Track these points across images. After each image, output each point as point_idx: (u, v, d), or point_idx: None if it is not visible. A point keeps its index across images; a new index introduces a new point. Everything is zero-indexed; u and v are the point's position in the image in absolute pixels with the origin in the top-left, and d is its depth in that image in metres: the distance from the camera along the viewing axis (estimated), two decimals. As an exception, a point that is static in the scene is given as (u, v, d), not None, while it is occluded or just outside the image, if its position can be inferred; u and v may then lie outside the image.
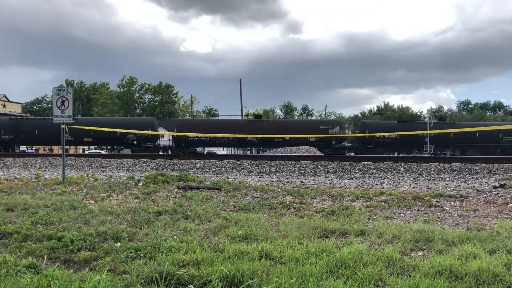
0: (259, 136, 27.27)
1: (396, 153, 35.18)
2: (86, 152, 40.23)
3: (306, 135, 27.56)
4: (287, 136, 28.85)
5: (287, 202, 7.95)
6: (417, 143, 34.80)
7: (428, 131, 30.26)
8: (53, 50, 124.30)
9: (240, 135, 25.78)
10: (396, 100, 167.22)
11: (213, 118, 43.05)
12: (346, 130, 38.44)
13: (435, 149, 34.48)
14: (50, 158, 18.83)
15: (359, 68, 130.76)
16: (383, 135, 32.15)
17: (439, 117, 49.88)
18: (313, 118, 78.21)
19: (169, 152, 31.80)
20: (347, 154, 30.61)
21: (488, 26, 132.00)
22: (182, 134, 28.75)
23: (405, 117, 62.61)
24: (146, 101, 65.73)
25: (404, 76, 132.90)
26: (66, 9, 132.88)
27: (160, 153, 31.52)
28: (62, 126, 11.26)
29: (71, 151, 36.69)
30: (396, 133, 30.34)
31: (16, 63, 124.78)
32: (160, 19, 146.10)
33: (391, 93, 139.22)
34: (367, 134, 30.59)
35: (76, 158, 18.94)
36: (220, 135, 26.03)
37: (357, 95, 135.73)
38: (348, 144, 36.26)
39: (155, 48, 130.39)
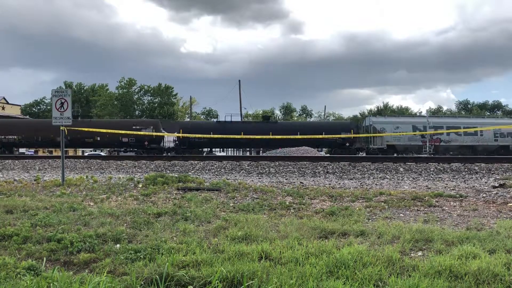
0: (248, 136, 27.07)
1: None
2: (86, 154, 40.20)
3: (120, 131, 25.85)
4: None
5: (287, 203, 7.95)
6: (231, 144, 34.36)
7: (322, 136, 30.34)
8: (53, 52, 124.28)
9: (239, 136, 25.77)
10: (397, 100, 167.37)
11: (213, 120, 42.85)
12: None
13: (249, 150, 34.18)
14: (50, 160, 18.82)
15: (360, 68, 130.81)
16: (199, 137, 31.43)
17: (262, 116, 45.89)
18: (312, 119, 78.16)
19: (173, 153, 31.77)
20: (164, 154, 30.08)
21: (489, 26, 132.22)
22: (189, 135, 28.75)
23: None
24: (145, 102, 65.72)
25: (404, 76, 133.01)
26: (66, 10, 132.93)
27: (169, 154, 31.59)
28: (61, 128, 11.26)
29: (71, 153, 36.62)
30: (209, 136, 29.04)
31: (16, 65, 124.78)
32: (160, 20, 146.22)
33: (392, 93, 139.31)
34: (181, 135, 30.05)
35: (76, 160, 18.93)
36: (225, 136, 26.31)
37: (358, 95, 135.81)
38: (170, 145, 35.52)
39: (155, 49, 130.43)
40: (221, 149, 37.93)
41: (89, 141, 33.23)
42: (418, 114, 74.26)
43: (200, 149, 34.76)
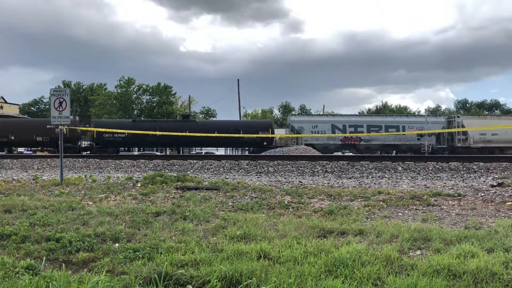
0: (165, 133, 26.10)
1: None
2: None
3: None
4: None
5: (286, 202, 7.95)
6: (142, 142, 33.78)
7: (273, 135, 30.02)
8: (52, 51, 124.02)
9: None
10: (396, 100, 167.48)
11: (129, 120, 40.88)
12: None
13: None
14: (48, 160, 18.80)
15: (359, 67, 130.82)
16: (114, 134, 31.18)
17: (182, 115, 44.44)
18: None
19: (89, 153, 30.83)
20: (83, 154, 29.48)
21: (488, 25, 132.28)
22: (103, 129, 27.85)
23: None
24: (144, 102, 65.66)
25: (404, 75, 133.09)
26: (65, 9, 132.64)
27: (83, 153, 30.87)
28: (60, 127, 11.24)
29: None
30: (127, 131, 28.41)
31: (15, 64, 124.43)
32: (160, 19, 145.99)
33: (391, 93, 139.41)
34: (93, 129, 29.42)
35: (74, 159, 18.91)
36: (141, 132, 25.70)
37: (357, 94, 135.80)
38: (87, 144, 34.59)
39: (155, 48, 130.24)
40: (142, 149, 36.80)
41: (3, 140, 32.38)
42: (417, 113, 74.37)
43: (116, 149, 33.40)
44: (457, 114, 38.53)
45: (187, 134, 25.69)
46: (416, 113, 75.30)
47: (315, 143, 32.39)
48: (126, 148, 35.00)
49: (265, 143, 32.25)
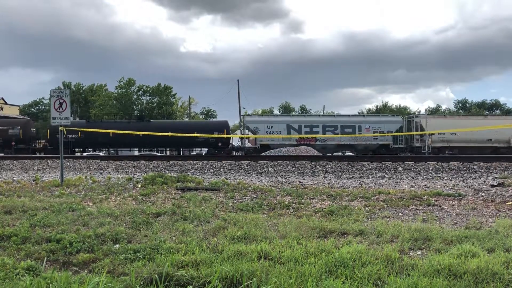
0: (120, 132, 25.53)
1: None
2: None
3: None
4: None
5: (286, 203, 7.95)
6: (96, 143, 33.38)
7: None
8: (52, 51, 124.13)
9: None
10: (396, 100, 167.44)
11: (82, 120, 40.32)
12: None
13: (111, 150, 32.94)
14: (48, 161, 18.80)
15: (359, 67, 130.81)
16: (67, 135, 30.09)
17: (136, 116, 45.04)
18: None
19: (42, 154, 30.45)
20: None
21: (489, 24, 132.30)
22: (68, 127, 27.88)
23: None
24: (144, 102, 65.68)
25: (404, 75, 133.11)
26: (65, 10, 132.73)
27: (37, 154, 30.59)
28: (61, 128, 11.25)
29: None
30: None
31: (15, 65, 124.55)
32: (160, 19, 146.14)
33: (391, 92, 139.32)
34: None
35: (74, 160, 18.92)
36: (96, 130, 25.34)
37: (357, 94, 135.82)
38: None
39: (155, 49, 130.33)
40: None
41: None
42: (417, 113, 74.33)
43: (71, 150, 32.92)
44: (415, 114, 38.07)
45: (141, 132, 24.75)
46: (417, 113, 75.25)
47: (270, 143, 32.26)
48: (81, 149, 34.80)
49: (219, 144, 32.02)
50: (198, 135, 27.26)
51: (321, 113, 56.88)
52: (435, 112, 75.87)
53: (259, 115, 40.27)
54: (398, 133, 32.21)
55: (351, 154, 31.44)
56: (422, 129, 31.84)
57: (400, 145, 33.82)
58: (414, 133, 32.64)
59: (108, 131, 25.00)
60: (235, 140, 36.69)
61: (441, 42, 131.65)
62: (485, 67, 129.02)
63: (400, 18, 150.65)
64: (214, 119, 50.56)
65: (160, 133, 25.68)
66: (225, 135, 30.92)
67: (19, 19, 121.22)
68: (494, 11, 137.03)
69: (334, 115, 36.22)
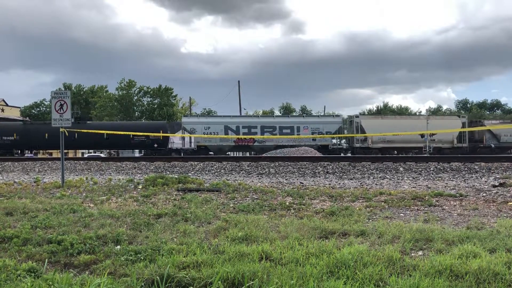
0: None
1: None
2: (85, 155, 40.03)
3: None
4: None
5: (287, 203, 7.95)
6: (33, 145, 33.12)
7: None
8: (53, 53, 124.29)
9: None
10: (397, 100, 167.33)
11: (19, 122, 39.94)
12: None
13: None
14: (49, 162, 18.82)
15: (360, 68, 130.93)
16: (2, 137, 30.96)
17: (75, 117, 44.01)
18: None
19: None
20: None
21: (490, 24, 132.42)
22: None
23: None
24: (145, 104, 65.72)
25: (405, 75, 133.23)
26: (66, 11, 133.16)
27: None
28: (61, 130, 11.26)
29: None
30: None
31: (16, 66, 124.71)
32: (161, 20, 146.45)
33: (392, 93, 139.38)
34: None
35: (75, 161, 18.93)
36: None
37: (358, 95, 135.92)
38: None
39: (156, 50, 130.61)
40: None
41: None
42: (418, 113, 74.33)
43: (8, 151, 32.51)
44: (355, 115, 38.01)
45: (78, 130, 24.16)
46: (417, 113, 75.25)
47: (207, 144, 32.17)
48: (19, 151, 34.51)
49: (155, 145, 31.80)
50: (139, 133, 26.76)
51: (293, 114, 56.31)
52: (435, 112, 75.80)
53: (197, 116, 39.66)
54: (333, 135, 31.90)
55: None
56: (362, 130, 31.78)
57: (339, 146, 33.61)
58: (346, 135, 32.73)
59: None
60: (180, 142, 36.31)
61: (442, 42, 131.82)
62: (486, 67, 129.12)
63: (401, 19, 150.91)
64: (152, 121, 49.39)
65: (95, 131, 24.83)
66: (161, 136, 30.31)
67: (20, 21, 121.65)
68: (496, 11, 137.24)
69: (273, 116, 35.88)
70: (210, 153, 31.79)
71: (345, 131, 33.93)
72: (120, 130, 30.55)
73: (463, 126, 32.39)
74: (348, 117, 37.56)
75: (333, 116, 37.85)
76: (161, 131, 31.40)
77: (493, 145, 32.45)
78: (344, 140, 34.75)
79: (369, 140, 31.37)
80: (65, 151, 38.60)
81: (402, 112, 73.78)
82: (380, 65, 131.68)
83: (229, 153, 33.53)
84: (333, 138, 32.99)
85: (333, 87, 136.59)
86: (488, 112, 78.76)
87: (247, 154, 34.69)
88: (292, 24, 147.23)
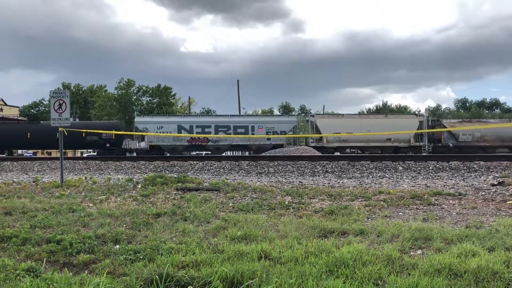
0: None
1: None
2: (85, 155, 39.92)
3: None
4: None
5: (286, 203, 7.95)
6: None
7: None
8: (52, 52, 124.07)
9: None
10: (397, 99, 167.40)
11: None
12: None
13: None
14: (48, 162, 18.80)
15: (360, 67, 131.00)
16: None
17: (29, 117, 43.14)
18: None
19: None
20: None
21: (490, 23, 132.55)
22: None
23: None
24: (144, 103, 65.70)
25: (405, 74, 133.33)
26: (65, 10, 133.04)
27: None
28: (60, 129, 11.24)
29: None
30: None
31: (15, 66, 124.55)
32: (160, 19, 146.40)
33: (392, 92, 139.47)
34: None
35: (74, 161, 18.92)
36: None
37: (358, 94, 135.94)
38: None
39: (155, 49, 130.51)
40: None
41: None
42: (416, 113, 74.38)
43: None
44: (311, 114, 37.80)
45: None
46: (416, 112, 75.29)
47: (161, 144, 31.89)
48: None
49: (108, 145, 31.57)
50: (94, 131, 26.47)
51: (250, 114, 55.80)
52: (435, 111, 75.89)
53: (150, 116, 39.26)
54: (287, 135, 31.91)
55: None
56: (317, 129, 31.83)
57: (299, 145, 33.52)
58: (299, 135, 32.81)
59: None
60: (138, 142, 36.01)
61: (442, 41, 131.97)
62: (486, 66, 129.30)
63: (401, 18, 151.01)
64: (106, 121, 48.47)
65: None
66: (114, 134, 29.61)
67: (19, 20, 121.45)
68: (496, 10, 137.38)
69: (228, 116, 35.74)
70: (166, 153, 31.38)
71: (304, 130, 33.88)
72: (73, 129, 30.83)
73: (421, 125, 32.49)
74: (305, 116, 37.59)
75: (288, 115, 37.95)
76: (113, 131, 31.38)
77: (451, 145, 32.33)
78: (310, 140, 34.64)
79: (324, 140, 31.40)
80: (20, 151, 38.31)
81: (401, 111, 73.84)
82: (380, 64, 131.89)
83: (184, 152, 33.17)
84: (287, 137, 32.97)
85: (333, 86, 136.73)
86: (487, 111, 78.83)
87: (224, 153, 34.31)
88: (292, 23, 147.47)
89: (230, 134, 31.56)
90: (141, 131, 31.86)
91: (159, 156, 27.08)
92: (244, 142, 32.18)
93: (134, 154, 31.56)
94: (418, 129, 31.70)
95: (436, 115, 63.13)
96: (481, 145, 32.43)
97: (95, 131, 26.04)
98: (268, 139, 31.85)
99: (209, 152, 32.68)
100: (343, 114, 35.00)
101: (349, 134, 30.46)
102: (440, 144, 32.94)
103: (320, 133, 30.81)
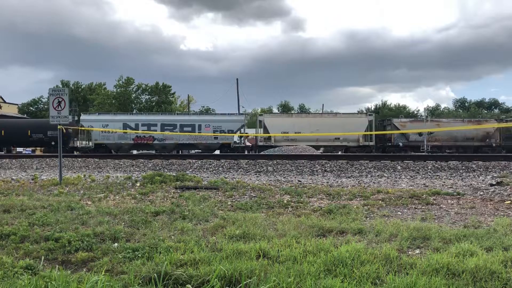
0: None
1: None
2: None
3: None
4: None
5: (285, 201, 7.95)
6: None
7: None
8: (51, 50, 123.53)
9: None
10: (396, 99, 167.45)
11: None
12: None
13: None
14: (47, 159, 18.79)
15: (360, 66, 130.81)
16: None
17: None
18: None
19: None
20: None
21: (491, 23, 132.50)
22: None
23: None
24: (143, 101, 65.62)
25: (405, 74, 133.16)
26: (65, 7, 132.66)
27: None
28: (59, 127, 11.24)
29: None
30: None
31: (14, 63, 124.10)
32: (160, 17, 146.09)
33: (392, 91, 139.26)
34: None
35: (73, 159, 18.91)
36: None
37: (358, 93, 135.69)
38: None
39: (155, 47, 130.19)
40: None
41: None
42: (415, 112, 74.46)
43: None
44: (260, 113, 37.67)
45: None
46: (416, 112, 75.41)
47: (106, 142, 31.63)
48: None
49: (53, 143, 30.99)
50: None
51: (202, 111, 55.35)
52: (434, 111, 75.97)
53: (96, 114, 38.97)
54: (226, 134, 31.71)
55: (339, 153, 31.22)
56: (265, 128, 31.87)
57: (242, 145, 33.43)
58: (246, 134, 32.74)
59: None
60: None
61: (442, 40, 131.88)
62: (486, 65, 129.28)
63: (401, 17, 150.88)
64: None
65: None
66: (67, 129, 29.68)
67: (19, 17, 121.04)
68: (496, 9, 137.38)
69: (175, 114, 35.29)
70: (114, 152, 31.22)
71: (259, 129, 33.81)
72: (17, 127, 30.62)
73: (370, 124, 32.52)
74: (259, 115, 37.72)
75: (236, 114, 37.75)
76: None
77: (401, 144, 32.25)
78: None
79: (273, 139, 31.43)
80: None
81: (400, 111, 73.88)
82: (380, 63, 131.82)
83: (132, 151, 32.95)
84: (235, 136, 32.86)
85: (333, 85, 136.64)
86: (486, 111, 78.88)
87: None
88: (292, 22, 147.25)
89: (176, 132, 31.41)
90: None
91: (158, 154, 27.06)
92: (191, 140, 31.87)
93: (81, 153, 31.30)
94: (367, 128, 31.69)
95: (434, 114, 63.24)
96: (433, 144, 32.37)
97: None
98: (215, 138, 31.68)
99: (114, 152, 32.16)
100: (292, 114, 34.98)
101: (297, 134, 30.56)
102: (390, 144, 32.86)
103: (269, 132, 30.87)
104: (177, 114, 35.04)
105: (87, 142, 32.97)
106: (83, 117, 33.96)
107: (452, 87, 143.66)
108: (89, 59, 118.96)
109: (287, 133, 30.72)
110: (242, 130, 32.31)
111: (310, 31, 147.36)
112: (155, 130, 31.33)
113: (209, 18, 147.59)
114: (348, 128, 30.35)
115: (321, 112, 64.51)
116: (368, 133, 31.14)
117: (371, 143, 32.24)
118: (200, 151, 31.34)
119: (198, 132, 31.35)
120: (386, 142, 33.60)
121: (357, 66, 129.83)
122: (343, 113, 37.31)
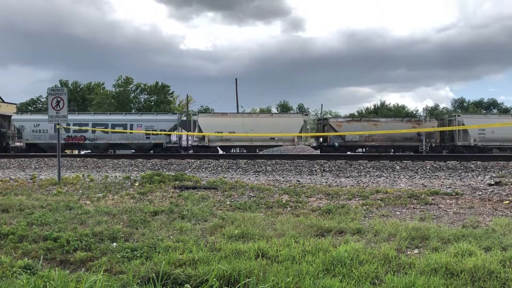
0: None
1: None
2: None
3: None
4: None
5: (284, 201, 7.96)
6: None
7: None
8: (51, 49, 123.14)
9: None
10: (395, 98, 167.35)
11: None
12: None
13: None
14: (46, 159, 18.76)
15: (360, 66, 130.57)
16: None
17: None
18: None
19: None
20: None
21: (490, 23, 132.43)
22: None
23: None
24: (142, 101, 65.57)
25: (404, 74, 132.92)
26: (64, 7, 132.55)
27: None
28: (58, 126, 11.22)
29: None
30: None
31: (13, 62, 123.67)
32: (160, 17, 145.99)
33: (391, 91, 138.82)
34: None
35: (72, 158, 18.88)
36: None
37: (357, 93, 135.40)
38: None
39: (154, 46, 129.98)
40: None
41: None
42: (415, 112, 74.53)
43: None
44: (194, 113, 37.63)
45: None
46: (414, 112, 75.48)
47: (37, 142, 31.36)
48: None
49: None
50: None
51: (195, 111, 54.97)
52: (433, 111, 76.02)
53: (28, 113, 38.65)
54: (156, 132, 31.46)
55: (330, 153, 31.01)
56: (199, 128, 31.85)
57: (175, 144, 33.43)
58: (178, 133, 32.65)
59: None
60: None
61: (442, 40, 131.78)
62: (485, 66, 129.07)
63: (401, 17, 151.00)
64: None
65: None
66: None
67: (18, 16, 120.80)
68: (496, 9, 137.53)
69: (107, 113, 35.07)
70: (47, 152, 31.17)
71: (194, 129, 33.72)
72: None
73: (305, 124, 32.45)
74: (188, 114, 37.58)
75: (170, 114, 37.54)
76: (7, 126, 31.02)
77: (337, 144, 32.02)
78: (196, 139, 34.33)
79: (206, 139, 31.41)
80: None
81: (399, 111, 73.96)
82: (380, 63, 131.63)
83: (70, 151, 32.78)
84: (173, 135, 32.69)
85: (332, 85, 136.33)
86: (484, 111, 78.95)
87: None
88: (292, 22, 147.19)
89: (107, 133, 31.22)
90: (18, 129, 31.56)
91: (157, 154, 27.05)
92: (123, 140, 31.63)
93: (12, 152, 31.18)
94: (301, 128, 31.48)
95: (433, 114, 63.26)
96: (370, 144, 32.15)
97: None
98: (148, 137, 31.47)
99: (89, 151, 32.03)
100: (227, 113, 34.72)
101: (231, 134, 30.58)
102: (326, 144, 32.73)
103: (202, 132, 30.84)
104: (110, 113, 34.81)
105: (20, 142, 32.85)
106: (14, 116, 33.46)
107: (451, 87, 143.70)
108: (88, 58, 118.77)
109: (221, 132, 30.67)
110: (176, 130, 32.21)
111: (310, 31, 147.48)
112: (87, 130, 31.12)
113: (208, 17, 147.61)
114: (282, 128, 30.32)
115: (257, 112, 64.68)
116: (303, 134, 31.01)
117: (306, 143, 31.99)
118: (133, 151, 31.16)
119: (131, 133, 31.05)
120: (323, 142, 33.49)
121: (356, 66, 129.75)
122: (278, 113, 37.07)
